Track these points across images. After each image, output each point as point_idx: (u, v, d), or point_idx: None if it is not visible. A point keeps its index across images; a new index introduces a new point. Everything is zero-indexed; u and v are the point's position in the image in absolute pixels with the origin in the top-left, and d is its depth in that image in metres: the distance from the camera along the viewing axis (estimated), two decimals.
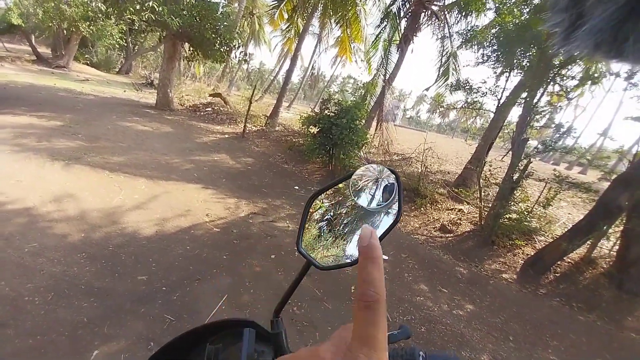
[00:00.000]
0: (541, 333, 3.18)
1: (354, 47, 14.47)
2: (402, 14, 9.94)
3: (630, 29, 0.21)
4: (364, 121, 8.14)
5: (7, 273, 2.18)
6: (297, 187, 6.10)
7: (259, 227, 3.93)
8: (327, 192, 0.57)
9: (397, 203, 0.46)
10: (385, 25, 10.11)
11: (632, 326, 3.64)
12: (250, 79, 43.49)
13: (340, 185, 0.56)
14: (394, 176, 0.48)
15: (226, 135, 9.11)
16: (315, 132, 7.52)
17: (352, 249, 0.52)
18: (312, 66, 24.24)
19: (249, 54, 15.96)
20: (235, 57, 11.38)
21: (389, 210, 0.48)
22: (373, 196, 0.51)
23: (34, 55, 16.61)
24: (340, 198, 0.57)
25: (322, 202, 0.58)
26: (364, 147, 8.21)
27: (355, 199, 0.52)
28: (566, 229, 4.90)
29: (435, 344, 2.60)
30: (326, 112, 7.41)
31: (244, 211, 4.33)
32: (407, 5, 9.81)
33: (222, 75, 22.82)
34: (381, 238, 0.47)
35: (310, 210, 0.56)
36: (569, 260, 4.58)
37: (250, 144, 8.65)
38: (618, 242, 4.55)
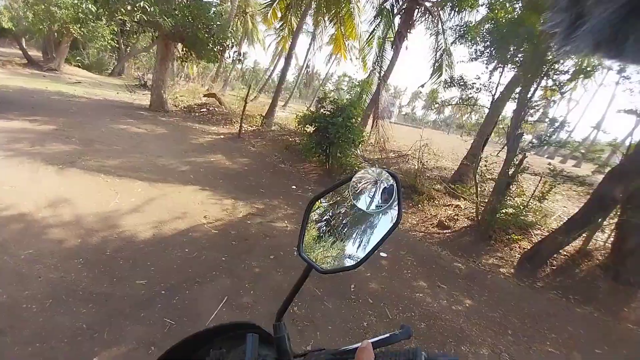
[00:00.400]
0: (539, 326, 3.21)
1: (348, 44, 14.44)
2: (395, 10, 9.95)
3: (630, 29, 0.21)
4: (360, 119, 8.12)
5: (3, 280, 2.15)
6: (294, 187, 6.10)
7: (257, 228, 3.92)
8: (327, 195, 0.56)
9: (396, 206, 0.46)
10: (379, 22, 10.11)
11: (629, 317, 3.69)
12: (244, 78, 43.23)
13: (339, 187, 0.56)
14: (393, 179, 0.48)
15: (222, 136, 9.06)
16: (311, 131, 7.50)
17: (351, 250, 0.52)
18: (307, 64, 24.17)
19: (243, 53, 15.83)
20: (229, 56, 11.32)
21: (389, 212, 0.48)
22: (372, 199, 0.51)
23: (25, 59, 16.34)
24: (340, 199, 0.57)
25: (322, 204, 0.58)
26: (360, 145, 8.21)
27: (355, 201, 0.52)
28: (562, 222, 4.94)
29: (436, 340, 2.62)
30: (322, 110, 7.39)
31: (241, 212, 4.32)
32: (401, 2, 9.81)
33: (216, 75, 22.63)
34: (381, 242, 0.47)
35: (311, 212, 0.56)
36: (565, 253, 4.62)
37: (247, 144, 8.61)
38: (613, 234, 4.61)
